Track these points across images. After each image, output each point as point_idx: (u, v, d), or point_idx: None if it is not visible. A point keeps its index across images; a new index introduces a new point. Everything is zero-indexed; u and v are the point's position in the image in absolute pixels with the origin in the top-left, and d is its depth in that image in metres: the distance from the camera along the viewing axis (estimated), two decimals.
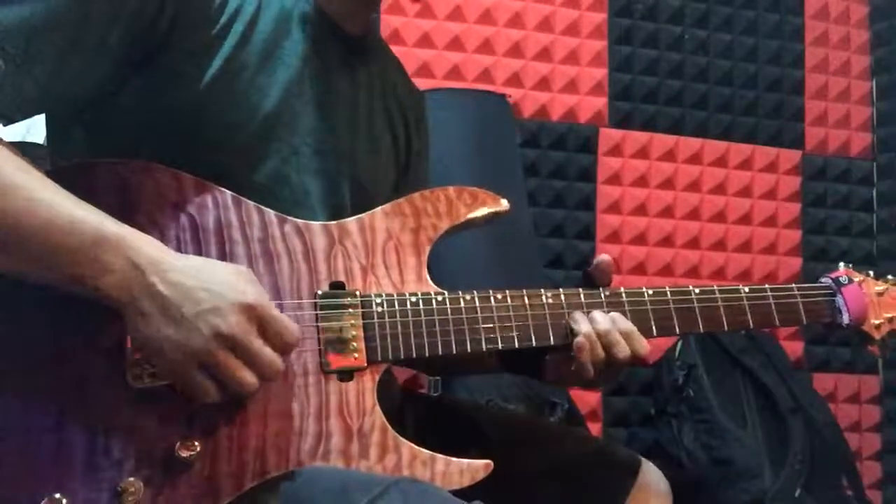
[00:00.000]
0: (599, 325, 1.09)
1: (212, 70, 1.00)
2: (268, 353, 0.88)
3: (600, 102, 2.54)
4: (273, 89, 1.05)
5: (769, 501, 2.07)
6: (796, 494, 2.09)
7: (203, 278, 0.87)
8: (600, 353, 1.08)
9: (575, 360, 1.08)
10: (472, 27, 2.44)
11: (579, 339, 1.08)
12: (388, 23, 2.36)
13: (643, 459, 1.26)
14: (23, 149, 0.89)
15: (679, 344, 2.37)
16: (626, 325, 1.10)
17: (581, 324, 1.09)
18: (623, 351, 1.08)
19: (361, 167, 1.16)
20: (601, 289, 1.13)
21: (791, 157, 2.72)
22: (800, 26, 2.75)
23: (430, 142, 1.39)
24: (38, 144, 1.09)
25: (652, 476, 1.25)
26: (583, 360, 1.08)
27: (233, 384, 0.87)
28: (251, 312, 0.87)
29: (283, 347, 0.90)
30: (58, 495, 0.83)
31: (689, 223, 2.58)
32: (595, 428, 2.41)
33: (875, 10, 2.81)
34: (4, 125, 0.89)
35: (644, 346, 1.10)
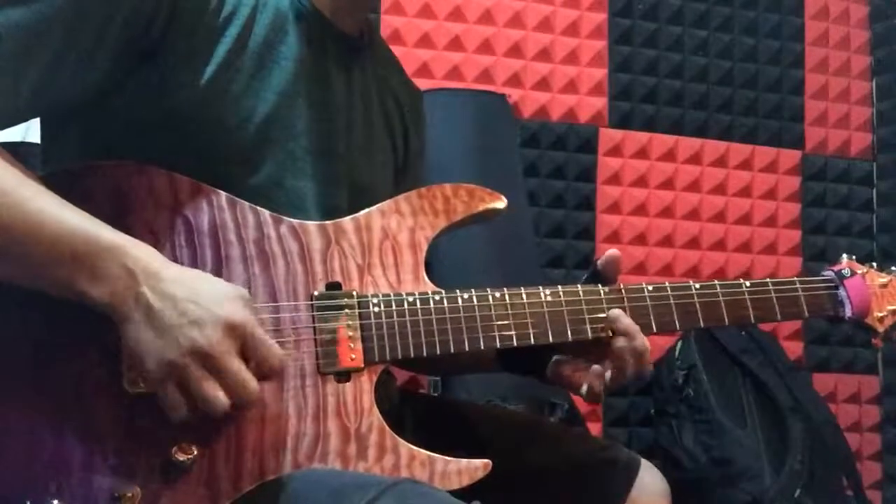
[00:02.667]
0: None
1: (207, 73, 0.99)
2: (243, 374, 0.86)
3: (600, 102, 2.54)
4: (269, 93, 1.04)
5: (769, 501, 2.07)
6: (796, 494, 2.09)
7: (194, 291, 0.86)
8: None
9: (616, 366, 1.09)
10: (472, 27, 2.44)
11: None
12: (388, 23, 2.36)
13: (643, 459, 1.26)
14: (21, 149, 0.89)
15: (679, 344, 2.36)
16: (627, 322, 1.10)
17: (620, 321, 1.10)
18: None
19: (359, 169, 1.15)
20: (600, 286, 1.13)
21: (791, 157, 2.71)
22: (800, 26, 2.75)
23: (427, 141, 1.39)
24: (38, 144, 1.09)
25: (651, 476, 1.25)
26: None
27: (200, 401, 0.85)
28: (235, 331, 0.86)
29: (265, 372, 0.88)
30: (56, 502, 0.83)
31: (689, 223, 2.58)
32: (595, 428, 2.41)
33: (875, 10, 2.81)
34: (0, 129, 0.89)
35: (643, 340, 1.10)
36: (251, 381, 0.87)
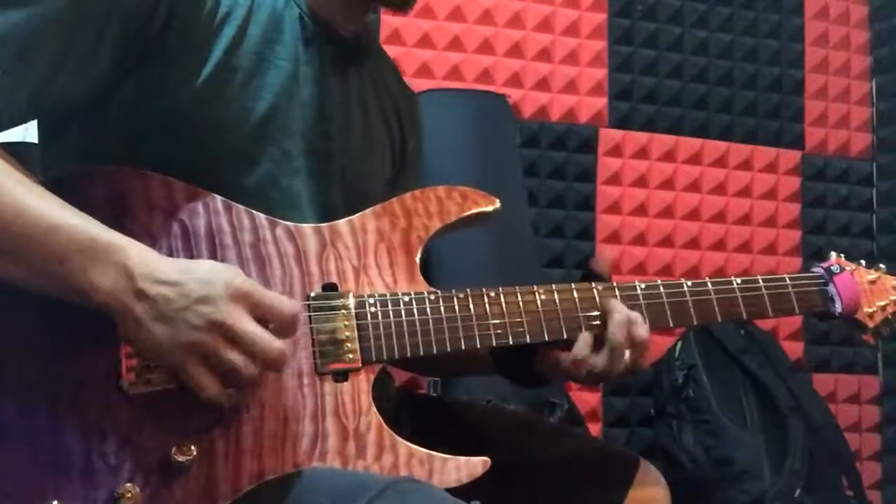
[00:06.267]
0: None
1: (204, 74, 1.00)
2: (265, 336, 0.86)
3: (600, 103, 2.54)
4: (265, 92, 1.05)
5: (769, 501, 2.07)
6: (796, 494, 2.09)
7: (190, 273, 0.86)
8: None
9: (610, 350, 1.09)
10: (472, 27, 2.44)
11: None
12: (388, 23, 2.36)
13: (642, 459, 1.26)
14: (20, 149, 0.89)
15: (679, 344, 2.37)
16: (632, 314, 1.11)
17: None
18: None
19: (354, 169, 1.16)
20: (593, 283, 1.13)
21: (791, 157, 2.72)
22: (800, 26, 2.75)
23: (423, 142, 1.39)
24: (37, 144, 1.09)
25: (651, 476, 1.25)
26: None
27: (231, 373, 0.86)
28: (243, 299, 0.86)
29: (283, 326, 0.89)
30: (55, 502, 0.84)
31: (689, 223, 2.58)
32: (595, 428, 2.41)
33: (875, 10, 2.81)
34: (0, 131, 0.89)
35: (645, 329, 1.10)
36: (274, 340, 0.87)
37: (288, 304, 0.90)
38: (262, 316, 0.88)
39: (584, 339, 1.09)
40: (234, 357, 0.85)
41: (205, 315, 0.84)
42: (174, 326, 0.84)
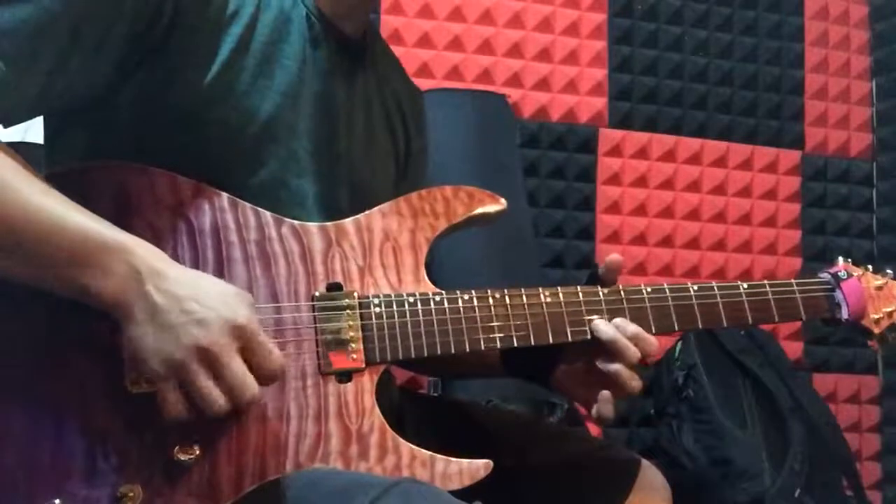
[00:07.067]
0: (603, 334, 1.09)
1: (211, 73, 1.00)
2: (245, 375, 0.85)
3: (600, 103, 2.54)
4: (272, 92, 1.05)
5: (769, 501, 2.07)
6: (796, 494, 2.09)
7: (198, 291, 0.86)
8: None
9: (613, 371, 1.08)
10: (472, 27, 2.44)
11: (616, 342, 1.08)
12: (388, 23, 2.36)
13: (643, 459, 1.26)
14: (21, 149, 0.89)
15: (679, 344, 2.36)
16: (632, 327, 1.10)
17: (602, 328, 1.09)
18: (633, 355, 1.08)
19: (359, 169, 1.16)
20: (599, 287, 1.13)
21: (791, 157, 2.71)
22: (800, 26, 2.75)
23: (429, 141, 1.39)
24: (37, 144, 1.09)
25: (652, 476, 1.25)
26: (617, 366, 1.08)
27: (200, 401, 0.84)
28: (238, 332, 0.85)
29: (265, 376, 0.88)
30: (57, 501, 0.83)
31: (689, 223, 2.58)
32: (595, 428, 2.41)
33: (875, 10, 2.81)
34: (4, 127, 0.89)
35: (653, 343, 1.10)
36: (252, 383, 0.86)
37: (276, 357, 0.89)
38: (251, 356, 0.87)
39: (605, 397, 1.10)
40: (210, 388, 0.84)
41: (196, 338, 0.83)
42: (166, 337, 0.83)
